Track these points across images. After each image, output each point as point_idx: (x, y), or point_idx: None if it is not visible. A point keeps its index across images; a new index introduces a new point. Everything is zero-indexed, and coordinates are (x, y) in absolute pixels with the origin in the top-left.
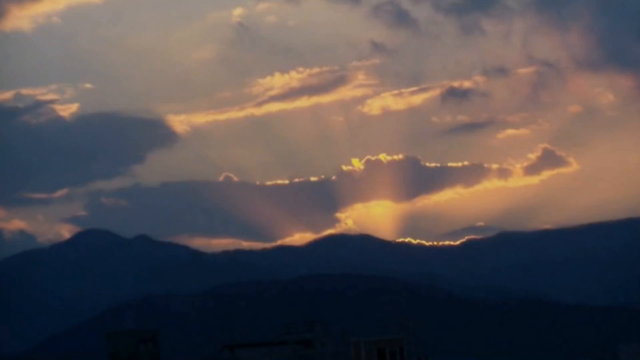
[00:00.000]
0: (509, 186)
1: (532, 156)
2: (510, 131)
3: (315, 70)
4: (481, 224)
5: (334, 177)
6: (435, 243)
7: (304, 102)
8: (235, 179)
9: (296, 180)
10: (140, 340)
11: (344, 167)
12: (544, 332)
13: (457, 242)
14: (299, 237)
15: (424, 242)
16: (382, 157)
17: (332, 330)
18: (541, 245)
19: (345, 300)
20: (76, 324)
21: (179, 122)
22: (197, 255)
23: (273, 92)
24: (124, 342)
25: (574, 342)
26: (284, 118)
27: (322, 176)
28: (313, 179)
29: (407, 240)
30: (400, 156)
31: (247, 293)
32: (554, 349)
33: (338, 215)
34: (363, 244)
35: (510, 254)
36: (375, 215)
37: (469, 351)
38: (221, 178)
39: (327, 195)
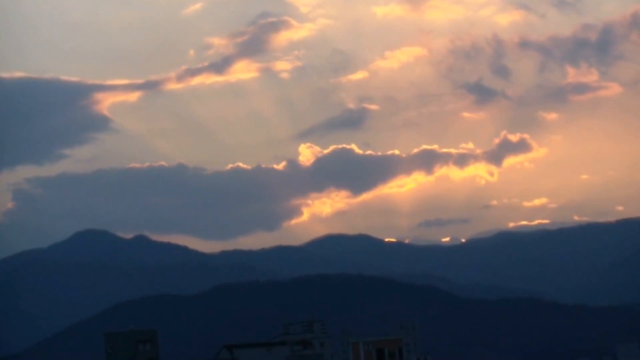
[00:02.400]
0: (466, 175)
1: (490, 142)
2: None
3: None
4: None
5: (279, 166)
6: (433, 243)
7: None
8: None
9: (231, 166)
10: (138, 341)
11: (290, 156)
12: (543, 332)
13: (457, 242)
14: (255, 237)
15: (422, 242)
16: (318, 145)
17: (331, 330)
18: (540, 245)
19: (344, 300)
20: (74, 323)
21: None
22: (195, 256)
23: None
24: (123, 342)
25: (572, 342)
26: (197, 96)
27: (262, 164)
28: (245, 166)
29: (405, 240)
30: (339, 145)
31: (246, 293)
32: (553, 348)
33: (293, 205)
34: (362, 244)
35: (510, 254)
36: (335, 208)
37: (468, 351)
38: (152, 164)
39: (278, 186)
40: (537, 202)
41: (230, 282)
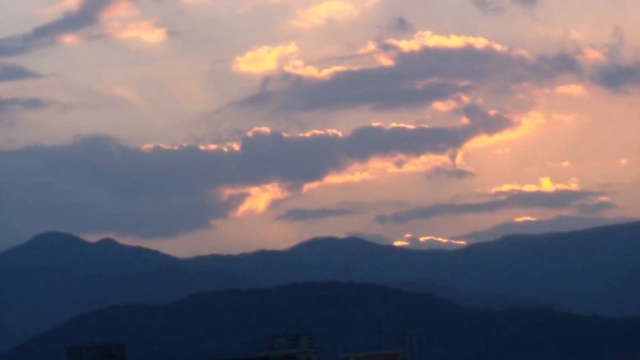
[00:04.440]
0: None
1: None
2: None
3: None
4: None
5: (205, 149)
6: (433, 247)
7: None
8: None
9: (148, 146)
10: (105, 356)
11: (211, 138)
12: (555, 345)
13: (458, 246)
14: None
15: (420, 246)
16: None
17: (319, 344)
18: (551, 249)
19: (334, 311)
20: (34, 337)
21: None
22: (169, 261)
23: None
24: (87, 357)
25: (588, 356)
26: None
27: (175, 146)
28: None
29: (403, 244)
30: (263, 125)
31: (224, 303)
32: None
33: (232, 196)
34: (353, 248)
35: (518, 259)
36: (275, 198)
37: None
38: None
39: (209, 172)
40: (503, 190)
41: (207, 291)
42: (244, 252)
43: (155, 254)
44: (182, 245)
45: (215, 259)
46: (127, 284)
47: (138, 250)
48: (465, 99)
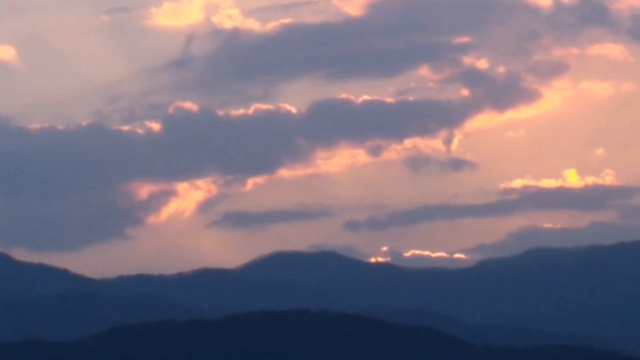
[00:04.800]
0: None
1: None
2: None
3: None
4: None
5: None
6: (432, 265)
7: None
8: None
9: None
10: None
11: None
12: None
13: (460, 263)
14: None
15: (404, 262)
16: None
17: None
18: (590, 268)
19: (302, 348)
20: None
21: None
22: (81, 284)
23: None
24: None
25: None
26: None
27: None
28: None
29: (381, 259)
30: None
31: (158, 338)
32: None
33: (152, 193)
34: (326, 266)
35: (544, 282)
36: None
37: None
38: None
39: (118, 162)
40: (514, 186)
41: (133, 322)
42: (181, 271)
43: (64, 274)
44: (94, 262)
45: (142, 280)
46: (28, 313)
47: (41, 269)
48: (463, 61)
